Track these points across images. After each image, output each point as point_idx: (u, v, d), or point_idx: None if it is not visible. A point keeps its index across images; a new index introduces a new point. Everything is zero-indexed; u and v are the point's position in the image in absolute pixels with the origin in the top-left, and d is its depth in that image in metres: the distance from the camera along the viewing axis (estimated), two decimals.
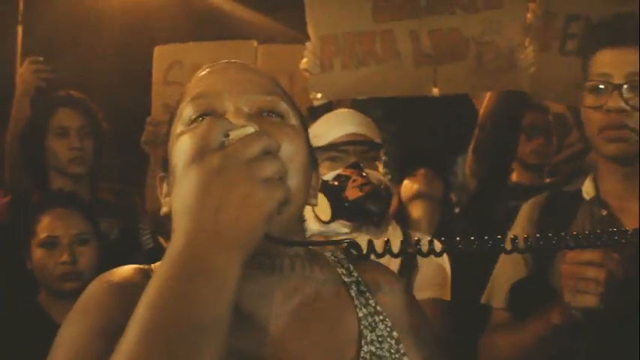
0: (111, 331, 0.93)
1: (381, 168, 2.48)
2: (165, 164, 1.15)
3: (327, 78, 3.00)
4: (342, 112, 2.64)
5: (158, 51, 3.72)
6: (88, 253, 2.46)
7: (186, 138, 1.04)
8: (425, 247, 1.03)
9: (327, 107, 2.97)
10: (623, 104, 1.71)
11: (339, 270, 1.19)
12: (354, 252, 1.02)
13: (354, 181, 2.32)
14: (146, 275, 1.10)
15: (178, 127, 1.09)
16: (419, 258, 2.35)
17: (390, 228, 2.47)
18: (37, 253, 2.44)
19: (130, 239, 3.07)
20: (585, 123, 1.85)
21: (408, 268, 2.35)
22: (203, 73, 1.15)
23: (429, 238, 1.05)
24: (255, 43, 3.66)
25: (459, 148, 3.43)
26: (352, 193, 2.30)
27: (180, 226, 0.87)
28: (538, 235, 1.14)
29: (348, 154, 2.39)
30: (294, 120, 1.10)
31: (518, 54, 2.82)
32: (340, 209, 2.31)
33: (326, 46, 3.00)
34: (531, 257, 1.91)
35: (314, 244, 1.17)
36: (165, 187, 1.16)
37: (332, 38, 3.01)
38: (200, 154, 0.88)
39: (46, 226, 2.45)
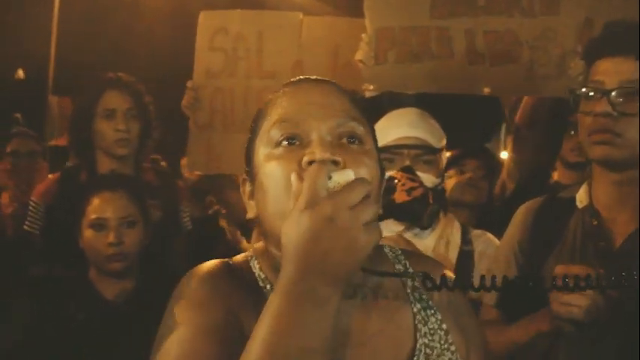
0: (219, 330, 1.12)
1: (437, 171, 2.53)
2: (250, 172, 1.28)
3: (380, 70, 3.06)
4: (404, 113, 2.68)
5: (204, 16, 3.72)
6: (135, 235, 2.55)
7: (276, 165, 1.18)
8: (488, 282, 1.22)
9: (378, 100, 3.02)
10: (609, 109, 1.75)
11: (397, 266, 1.34)
12: (429, 284, 1.18)
13: (403, 184, 2.38)
14: (232, 269, 1.27)
15: (264, 147, 1.22)
16: (475, 255, 2.43)
17: (442, 224, 2.51)
18: (87, 234, 2.53)
19: (172, 221, 3.15)
20: (579, 129, 1.90)
21: (465, 264, 2.40)
22: (287, 91, 1.27)
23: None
24: (300, 15, 3.66)
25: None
26: (400, 196, 2.37)
27: (291, 262, 1.02)
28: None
29: (403, 156, 2.46)
30: (369, 142, 1.24)
31: (568, 62, 2.84)
32: (388, 210, 2.36)
33: (381, 39, 3.05)
34: (523, 258, 1.96)
35: (395, 275, 1.28)
36: (248, 189, 1.30)
37: (388, 31, 3.05)
38: (311, 201, 1.02)
39: (95, 208, 2.53)
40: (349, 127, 1.20)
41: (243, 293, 1.21)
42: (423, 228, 2.44)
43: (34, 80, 6.37)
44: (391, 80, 3.06)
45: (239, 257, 1.33)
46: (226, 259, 1.30)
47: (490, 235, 2.61)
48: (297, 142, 1.19)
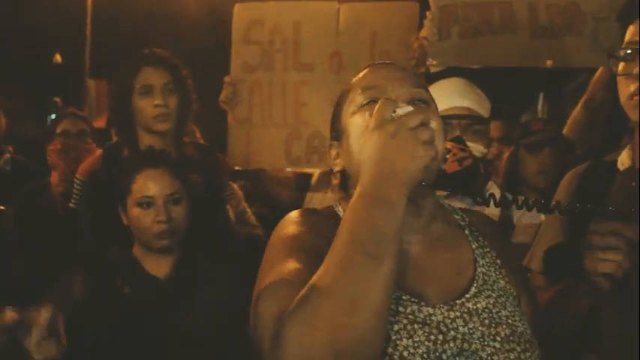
0: (313, 246, 1.37)
1: (485, 141, 2.52)
2: (336, 135, 1.56)
3: (444, 46, 3.04)
4: (452, 83, 2.68)
5: (238, 9, 3.63)
6: (181, 211, 2.54)
7: (359, 115, 1.47)
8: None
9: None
10: None
11: (456, 216, 1.60)
12: (479, 199, 1.45)
13: (455, 154, 2.38)
14: (319, 213, 1.55)
15: (351, 109, 1.50)
16: (515, 220, 2.57)
17: (489, 191, 2.55)
18: (134, 211, 2.51)
19: (215, 195, 3.12)
20: (619, 92, 1.86)
21: (505, 226, 2.48)
22: (368, 70, 1.56)
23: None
24: (336, 5, 3.58)
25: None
26: (450, 166, 2.37)
27: (366, 172, 1.27)
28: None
29: (453, 126, 2.46)
30: (433, 105, 1.51)
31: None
32: (439, 180, 2.39)
33: (445, 15, 3.05)
34: (569, 225, 1.94)
35: (457, 189, 1.53)
36: (334, 152, 1.58)
37: (451, 7, 3.05)
38: (379, 123, 1.29)
39: (140, 186, 2.51)
40: (418, 93, 1.48)
41: (333, 225, 1.39)
42: (472, 197, 2.49)
43: (71, 64, 6.39)
44: (455, 56, 3.05)
45: (326, 207, 1.60)
46: (314, 209, 1.58)
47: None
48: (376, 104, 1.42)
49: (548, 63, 3.02)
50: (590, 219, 1.74)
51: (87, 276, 2.47)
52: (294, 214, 1.50)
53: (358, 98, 1.49)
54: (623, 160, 1.94)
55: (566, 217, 1.91)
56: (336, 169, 1.57)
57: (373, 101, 1.44)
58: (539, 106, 6.15)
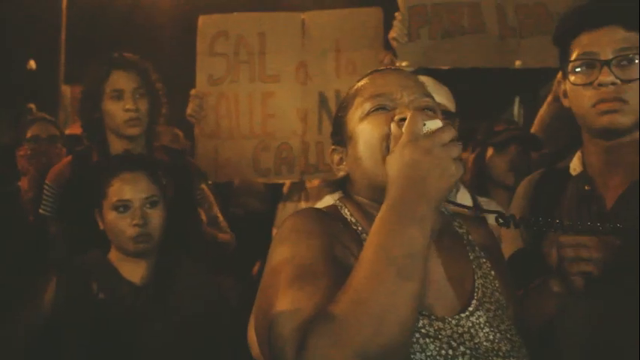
0: (328, 250, 1.34)
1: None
2: (341, 140, 1.54)
3: (413, 47, 3.07)
4: (421, 80, 2.70)
5: (203, 21, 3.63)
6: (158, 215, 2.52)
7: (368, 122, 1.45)
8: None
9: None
10: (614, 78, 1.79)
11: (455, 223, 1.59)
12: (501, 220, 1.49)
13: None
14: (325, 212, 1.50)
15: (358, 116, 1.48)
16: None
17: (458, 194, 2.56)
18: (110, 215, 2.48)
19: (186, 199, 3.10)
20: (575, 102, 1.91)
21: None
22: (375, 75, 1.54)
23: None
24: (301, 16, 3.59)
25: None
26: None
27: (396, 186, 1.25)
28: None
29: None
30: (439, 113, 1.49)
31: None
32: None
33: (414, 16, 3.07)
34: (528, 232, 1.99)
35: (478, 210, 1.52)
36: (337, 157, 1.56)
37: (420, 8, 3.08)
38: (413, 138, 1.26)
39: (117, 190, 2.49)
40: (425, 101, 1.47)
41: (342, 227, 1.44)
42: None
43: (45, 70, 6.35)
44: (424, 56, 3.08)
45: (330, 206, 1.56)
46: (319, 208, 1.54)
47: (495, 203, 2.67)
48: (386, 109, 1.45)
49: (517, 63, 3.05)
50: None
51: (60, 282, 2.45)
52: (304, 214, 1.46)
53: (366, 105, 1.47)
54: (575, 165, 1.99)
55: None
56: (340, 174, 1.56)
57: (382, 108, 1.45)
58: (515, 110, 6.19)
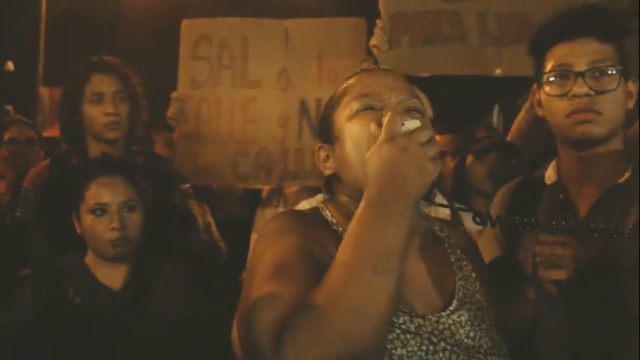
0: (307, 250, 1.35)
1: None
2: (328, 138, 1.54)
3: (394, 54, 3.08)
4: None
5: (186, 24, 3.63)
6: (136, 219, 2.51)
7: (356, 122, 1.45)
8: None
9: None
10: (588, 89, 1.82)
11: (435, 227, 1.60)
12: (478, 219, 1.48)
13: None
14: (306, 214, 1.51)
15: (346, 115, 1.48)
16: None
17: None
18: (87, 219, 2.47)
19: (165, 203, 3.08)
20: (549, 112, 1.94)
21: None
22: (364, 75, 1.55)
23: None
24: (284, 22, 3.61)
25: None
26: None
27: (375, 183, 1.26)
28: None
29: None
30: (427, 115, 1.48)
31: None
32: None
33: (395, 24, 3.08)
34: (502, 238, 2.04)
35: (453, 208, 1.54)
36: (323, 155, 1.56)
37: (401, 16, 3.08)
38: (390, 136, 1.27)
39: (94, 193, 2.48)
40: (413, 102, 1.46)
41: (322, 229, 1.44)
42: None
43: (24, 72, 6.29)
44: (405, 64, 3.07)
45: (312, 208, 1.57)
46: (300, 209, 1.57)
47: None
48: (374, 109, 1.45)
49: (498, 71, 3.07)
50: (522, 232, 1.82)
51: (37, 286, 2.43)
52: (284, 216, 1.48)
53: (354, 104, 1.48)
54: (550, 174, 2.02)
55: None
56: (326, 172, 1.57)
57: (370, 108, 1.45)
58: (495, 118, 6.23)
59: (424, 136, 1.28)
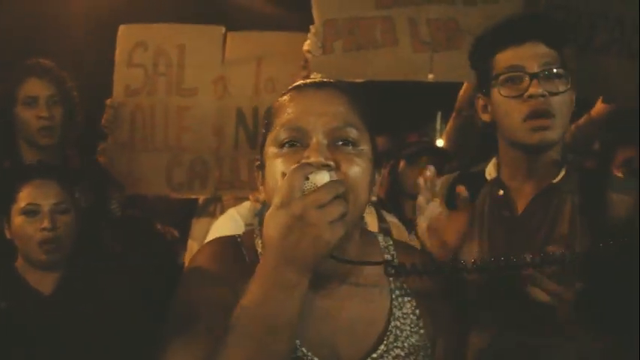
0: (222, 301, 1.32)
1: None
2: (260, 156, 1.46)
3: (328, 60, 3.08)
4: None
5: (123, 30, 3.60)
6: (68, 222, 2.49)
7: (278, 163, 1.36)
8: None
9: None
10: (543, 90, 1.85)
11: (386, 255, 1.52)
12: (392, 270, 1.40)
13: None
14: (236, 245, 1.49)
15: (272, 145, 1.40)
16: (393, 230, 2.69)
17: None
18: (18, 220, 2.45)
19: (99, 208, 3.07)
20: (503, 114, 1.94)
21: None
22: (293, 96, 1.44)
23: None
24: (222, 30, 3.60)
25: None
26: None
27: (268, 251, 1.21)
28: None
29: None
30: (363, 143, 1.39)
31: None
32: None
33: (328, 30, 3.08)
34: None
35: (363, 264, 1.43)
36: (260, 176, 1.47)
37: (334, 22, 3.08)
38: (286, 200, 1.19)
39: (27, 194, 2.46)
40: (344, 132, 1.36)
41: (245, 267, 1.39)
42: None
43: None
44: (338, 70, 3.08)
45: (248, 232, 1.54)
46: (235, 235, 1.52)
47: (397, 220, 2.78)
48: (299, 145, 1.36)
49: (430, 77, 3.09)
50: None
51: None
52: (208, 255, 1.47)
53: (281, 133, 1.39)
54: (490, 170, 2.06)
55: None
56: (261, 197, 1.56)
57: (293, 143, 1.37)
58: (438, 125, 6.30)
59: (325, 197, 1.19)
